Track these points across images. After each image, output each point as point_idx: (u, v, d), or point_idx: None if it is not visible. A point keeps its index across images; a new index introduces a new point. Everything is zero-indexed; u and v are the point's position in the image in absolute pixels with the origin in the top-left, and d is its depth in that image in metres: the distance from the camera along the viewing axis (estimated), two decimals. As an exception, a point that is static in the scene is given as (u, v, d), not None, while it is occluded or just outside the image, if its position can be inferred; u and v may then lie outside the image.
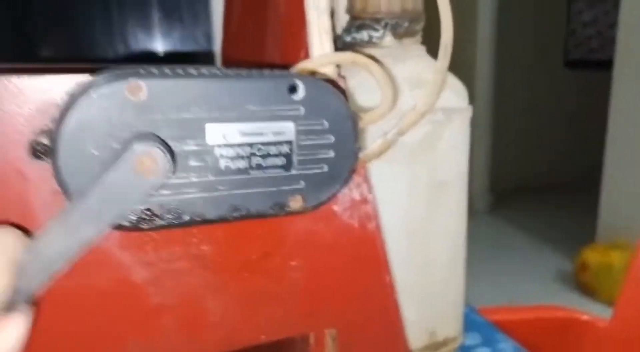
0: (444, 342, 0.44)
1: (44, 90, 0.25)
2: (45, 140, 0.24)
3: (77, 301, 0.28)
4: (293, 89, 0.25)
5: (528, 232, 2.88)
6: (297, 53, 0.32)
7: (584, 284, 2.21)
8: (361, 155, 0.30)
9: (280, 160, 0.26)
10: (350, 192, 0.33)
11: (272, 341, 0.33)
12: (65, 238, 0.22)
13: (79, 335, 0.29)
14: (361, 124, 0.29)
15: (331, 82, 0.27)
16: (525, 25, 3.35)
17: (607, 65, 2.33)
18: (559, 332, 1.11)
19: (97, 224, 0.22)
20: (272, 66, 0.29)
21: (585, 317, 1.07)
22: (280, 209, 0.27)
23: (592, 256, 2.16)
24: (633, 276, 0.98)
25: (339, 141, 0.27)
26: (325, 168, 0.27)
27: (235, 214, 0.26)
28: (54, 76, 0.25)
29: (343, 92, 0.28)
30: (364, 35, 0.37)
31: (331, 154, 0.27)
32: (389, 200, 0.39)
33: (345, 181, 0.28)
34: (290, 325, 0.33)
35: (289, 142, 0.26)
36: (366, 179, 0.33)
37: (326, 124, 0.26)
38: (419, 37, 0.40)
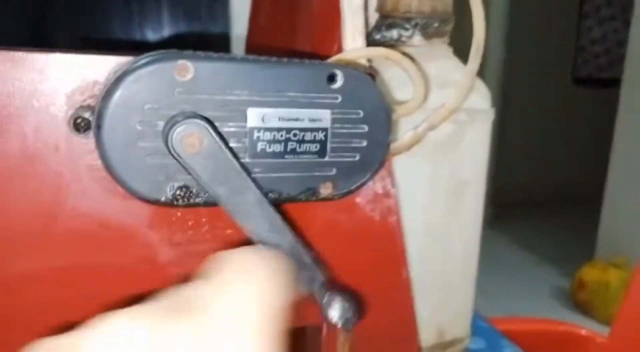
0: (452, 343, 0.44)
1: (86, 68, 0.26)
2: (87, 115, 0.25)
3: (97, 278, 0.28)
4: (332, 78, 0.26)
5: (527, 247, 2.88)
6: (330, 47, 0.33)
7: (580, 302, 2.21)
8: (392, 147, 0.30)
9: (314, 147, 0.26)
10: (373, 185, 0.33)
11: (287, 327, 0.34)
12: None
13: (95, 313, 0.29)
14: (394, 116, 0.29)
15: (367, 74, 0.27)
16: (534, 41, 3.36)
17: (614, 83, 2.33)
18: (557, 345, 1.12)
19: None
20: (306, 56, 0.29)
21: (584, 332, 1.07)
22: (311, 195, 0.27)
23: (590, 273, 2.15)
24: (633, 293, 0.98)
25: (372, 131, 0.27)
26: (357, 157, 0.27)
27: (268, 197, 0.26)
28: (96, 56, 0.26)
29: (377, 84, 0.28)
30: (393, 33, 0.38)
31: (364, 143, 0.27)
32: (411, 196, 0.39)
33: (376, 171, 0.28)
34: (305, 313, 0.34)
35: (324, 130, 0.26)
36: (390, 173, 0.34)
37: (361, 113, 0.26)
38: (447, 38, 0.40)
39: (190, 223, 0.29)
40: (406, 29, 0.38)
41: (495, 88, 3.05)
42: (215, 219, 0.30)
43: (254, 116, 0.25)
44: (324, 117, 0.26)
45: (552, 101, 3.48)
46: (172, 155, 0.23)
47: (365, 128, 0.27)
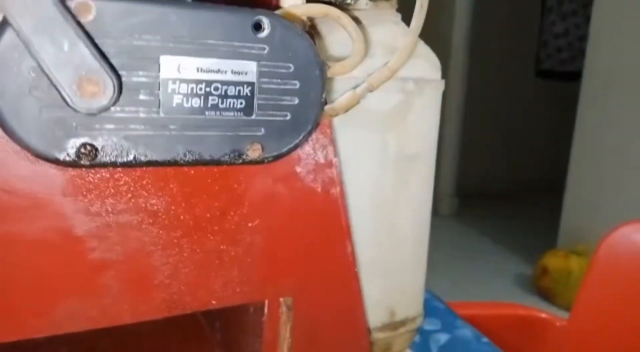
0: (403, 322, 0.43)
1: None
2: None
3: (4, 248, 0.25)
4: (258, 27, 0.23)
5: (491, 236, 2.92)
6: (268, 2, 0.31)
7: (543, 289, 2.24)
8: (328, 107, 0.28)
9: (239, 103, 0.24)
10: (314, 154, 0.31)
11: (223, 307, 0.31)
12: None
13: (5, 291, 0.26)
14: (329, 73, 0.27)
15: (305, 31, 0.25)
16: (498, 34, 3.39)
17: (577, 76, 2.37)
18: (518, 329, 1.12)
19: None
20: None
21: (544, 315, 1.08)
22: (237, 157, 0.25)
23: (552, 261, 2.19)
24: (591, 278, 0.99)
25: (304, 88, 0.25)
26: (288, 116, 0.25)
27: (187, 158, 0.24)
28: None
29: (312, 37, 0.26)
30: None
31: (295, 101, 0.25)
32: (357, 168, 0.38)
33: (309, 133, 0.26)
34: (244, 291, 0.32)
35: (250, 84, 0.24)
36: (332, 142, 0.32)
37: (291, 67, 0.24)
38: (394, 2, 0.38)
39: (109, 191, 0.26)
40: (349, -10, 0.36)
41: (459, 80, 3.08)
42: (139, 188, 0.27)
43: (168, 65, 0.23)
44: (250, 69, 0.24)
45: (515, 94, 3.53)
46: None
47: (297, 84, 0.25)
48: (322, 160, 0.32)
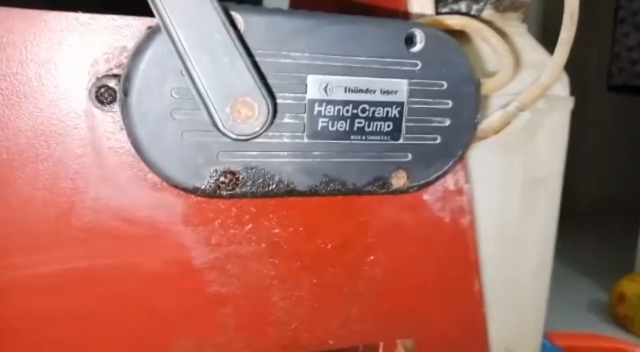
0: (519, 364, 0.39)
1: (112, 32, 0.21)
2: (113, 84, 0.20)
3: (120, 282, 0.23)
4: (410, 41, 0.21)
5: (564, 259, 2.78)
6: (392, 14, 0.28)
7: (620, 317, 2.11)
8: (479, 129, 0.25)
9: (386, 126, 0.21)
10: (444, 180, 0.28)
11: (340, 348, 0.29)
12: None
13: (119, 323, 0.24)
14: (483, 91, 0.24)
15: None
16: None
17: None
18: None
19: None
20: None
21: (638, 350, 1.00)
22: (381, 186, 0.22)
23: (630, 286, 2.06)
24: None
25: (457, 108, 0.22)
26: (438, 139, 0.22)
27: (329, 187, 0.21)
28: (126, 17, 0.21)
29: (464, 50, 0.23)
30: (462, 6, 0.33)
31: (447, 122, 0.22)
32: (482, 193, 0.34)
33: (460, 158, 0.23)
34: (363, 330, 0.29)
35: (400, 104, 0.21)
36: (464, 166, 0.29)
37: (445, 85, 0.21)
38: (521, 14, 0.35)
39: (231, 220, 0.24)
40: (476, 2, 0.33)
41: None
42: (261, 216, 0.25)
43: (315, 85, 0.20)
44: (400, 88, 0.21)
45: (586, 109, 3.38)
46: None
47: (449, 104, 0.22)
48: (451, 187, 0.28)
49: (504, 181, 0.34)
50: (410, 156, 0.22)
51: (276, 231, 0.25)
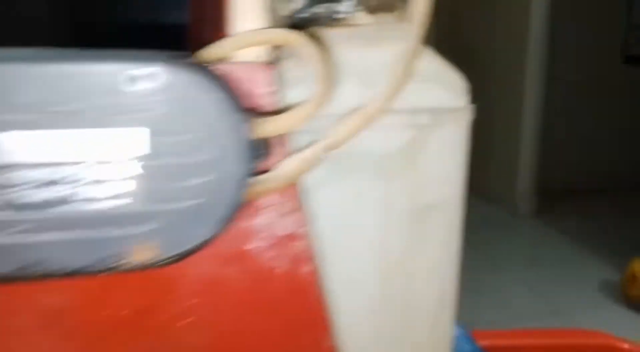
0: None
1: None
2: None
3: None
4: (144, 78, 0.15)
5: (574, 238, 2.70)
6: (217, 33, 0.23)
7: (632, 298, 2.06)
8: (263, 179, 0.20)
9: (120, 188, 0.16)
10: (272, 225, 0.23)
11: None
12: None
13: None
14: (260, 133, 0.19)
15: (209, 72, 0.17)
16: (582, 18, 3.14)
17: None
18: None
19: None
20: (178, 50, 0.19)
21: (626, 345, 0.95)
22: (114, 266, 0.17)
23: (642, 266, 2.00)
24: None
25: (219, 161, 0.17)
26: (195, 200, 0.17)
27: (33, 271, 0.16)
28: None
29: (225, 85, 0.18)
30: (321, 8, 0.27)
31: (205, 178, 0.17)
32: (357, 228, 0.29)
33: (230, 219, 0.18)
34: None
35: (139, 159, 0.16)
36: (299, 207, 0.24)
37: (198, 133, 0.16)
38: (400, 14, 0.29)
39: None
40: (339, 2, 0.27)
41: (538, 68, 2.86)
42: (30, 285, 0.20)
43: (14, 145, 0.15)
44: (136, 140, 0.16)
45: (600, 82, 3.25)
46: None
47: (207, 155, 0.17)
48: (285, 232, 0.24)
49: (384, 212, 0.29)
50: (155, 224, 0.17)
51: (51, 300, 0.21)
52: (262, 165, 0.19)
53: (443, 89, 0.30)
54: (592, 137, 3.32)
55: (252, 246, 0.23)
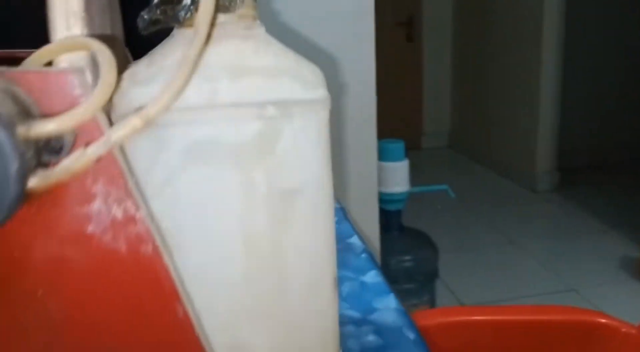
0: (310, 376, 0.37)
1: None
2: None
3: None
4: None
5: (595, 214, 2.66)
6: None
7: (651, 273, 2.03)
8: (37, 179, 0.23)
9: None
10: (108, 211, 0.27)
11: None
12: None
13: None
14: (32, 133, 0.22)
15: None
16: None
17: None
18: (577, 337, 1.02)
19: None
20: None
21: (604, 320, 0.96)
22: None
23: (662, 242, 1.96)
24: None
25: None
26: None
27: None
28: None
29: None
30: (165, 11, 0.30)
31: None
32: (219, 211, 0.33)
33: (10, 210, 0.22)
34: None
35: None
36: (130, 194, 0.27)
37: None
38: (245, 12, 0.32)
39: None
40: (179, 3, 0.30)
41: (555, 39, 2.79)
42: None
43: None
44: None
45: (623, 47, 3.14)
46: None
47: None
48: (119, 217, 0.27)
49: (245, 196, 0.33)
50: None
51: None
52: (61, 157, 0.23)
53: (294, 83, 0.32)
54: (614, 109, 3.23)
55: (92, 228, 0.27)
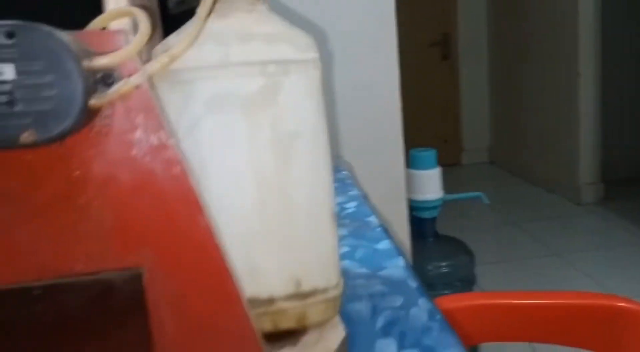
0: (312, 293, 0.45)
1: None
2: None
3: None
4: (11, 35, 0.29)
5: (639, 226, 2.62)
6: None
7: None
8: (107, 94, 0.32)
9: (4, 98, 0.29)
10: (147, 138, 0.36)
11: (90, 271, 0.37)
12: None
13: None
14: (95, 64, 0.31)
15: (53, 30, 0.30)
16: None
17: None
18: (599, 321, 1.04)
19: None
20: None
21: (624, 303, 0.99)
22: (11, 143, 0.30)
23: None
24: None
25: (60, 81, 0.30)
26: (50, 105, 0.30)
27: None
28: None
29: (74, 38, 0.31)
30: (190, -5, 0.40)
31: (53, 92, 0.30)
32: (231, 151, 0.41)
33: (77, 118, 0.31)
34: (105, 258, 0.37)
35: (11, 82, 0.29)
36: (163, 126, 0.36)
37: (43, 64, 0.29)
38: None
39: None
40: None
41: (593, 51, 2.80)
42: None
43: None
44: (7, 70, 0.29)
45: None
46: None
47: (51, 78, 0.30)
48: (155, 143, 0.36)
49: (253, 138, 0.41)
50: (30, 119, 0.30)
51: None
52: (111, 85, 0.32)
53: (290, 46, 0.41)
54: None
55: (134, 152, 0.36)
